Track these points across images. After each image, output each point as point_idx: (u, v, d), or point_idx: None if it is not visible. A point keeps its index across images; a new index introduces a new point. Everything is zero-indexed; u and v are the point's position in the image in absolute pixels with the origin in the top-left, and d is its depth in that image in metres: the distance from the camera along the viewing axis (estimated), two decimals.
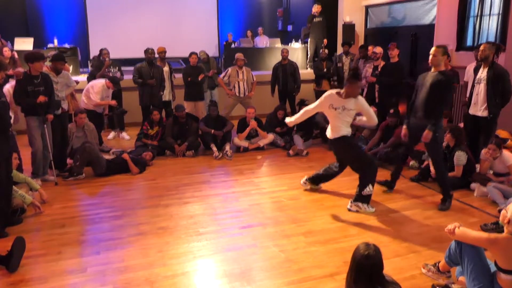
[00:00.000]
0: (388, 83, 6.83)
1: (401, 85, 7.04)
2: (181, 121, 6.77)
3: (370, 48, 8.07)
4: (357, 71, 4.32)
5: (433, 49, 4.32)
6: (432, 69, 4.38)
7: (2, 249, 3.39)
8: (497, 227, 3.83)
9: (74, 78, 6.71)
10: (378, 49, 7.37)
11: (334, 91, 4.35)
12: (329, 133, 4.50)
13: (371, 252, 2.35)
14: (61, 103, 5.56)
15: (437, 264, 3.11)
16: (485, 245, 2.63)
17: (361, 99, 4.39)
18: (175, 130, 6.77)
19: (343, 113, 4.32)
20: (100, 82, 6.91)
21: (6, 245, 3.41)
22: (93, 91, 6.76)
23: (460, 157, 4.95)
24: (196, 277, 3.20)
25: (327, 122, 7.12)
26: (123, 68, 7.95)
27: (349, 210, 4.40)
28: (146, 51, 7.26)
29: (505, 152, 4.82)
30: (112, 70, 7.61)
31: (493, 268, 2.66)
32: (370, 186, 4.31)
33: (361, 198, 4.34)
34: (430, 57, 4.30)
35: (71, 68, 8.44)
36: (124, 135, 7.79)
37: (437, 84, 4.25)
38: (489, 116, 5.10)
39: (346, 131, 4.39)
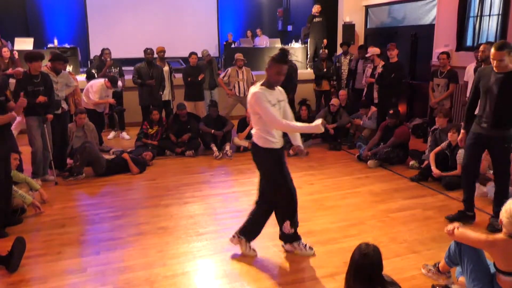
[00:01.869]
0: (387, 83, 6.84)
1: (401, 85, 7.04)
2: (182, 119, 6.78)
3: (370, 49, 8.09)
4: (286, 51, 3.23)
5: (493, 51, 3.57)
6: (495, 69, 3.62)
7: (2, 249, 3.39)
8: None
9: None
10: (375, 50, 7.37)
11: (258, 85, 3.25)
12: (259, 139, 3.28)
13: (370, 252, 2.35)
14: (61, 103, 5.56)
15: (437, 264, 3.11)
16: (483, 247, 2.63)
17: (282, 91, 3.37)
18: (175, 128, 6.78)
19: (282, 108, 3.32)
20: (99, 82, 6.92)
21: (6, 245, 3.41)
22: (92, 90, 6.78)
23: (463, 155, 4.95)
24: (196, 277, 3.20)
25: (327, 122, 7.20)
26: (123, 68, 7.95)
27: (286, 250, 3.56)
28: (145, 51, 7.27)
29: None
30: (113, 71, 7.62)
31: (492, 269, 2.66)
32: (288, 223, 3.38)
33: (287, 236, 3.47)
34: (496, 62, 3.55)
35: (71, 68, 8.44)
36: (124, 135, 7.79)
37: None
38: None
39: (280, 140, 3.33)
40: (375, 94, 7.36)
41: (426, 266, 3.19)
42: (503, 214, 2.55)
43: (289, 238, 3.47)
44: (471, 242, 2.65)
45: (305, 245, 3.51)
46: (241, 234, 3.50)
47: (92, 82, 6.99)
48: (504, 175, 3.86)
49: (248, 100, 3.21)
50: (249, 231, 3.51)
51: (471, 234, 2.67)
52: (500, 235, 2.56)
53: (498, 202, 3.64)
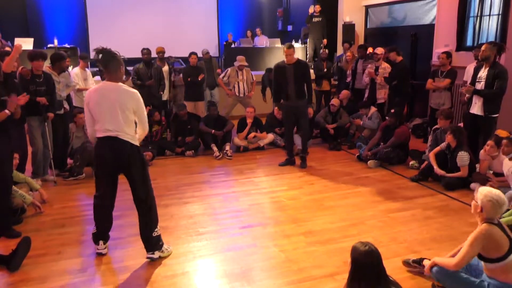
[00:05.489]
0: (396, 83, 6.94)
1: (408, 84, 7.12)
2: (182, 119, 6.78)
3: (370, 49, 8.09)
4: (111, 53, 3.29)
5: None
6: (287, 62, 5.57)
7: (5, 249, 3.40)
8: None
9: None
10: (379, 50, 7.38)
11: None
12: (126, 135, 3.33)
13: (372, 247, 2.34)
14: (63, 103, 5.56)
15: (421, 262, 3.13)
16: (477, 249, 2.61)
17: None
18: (174, 127, 6.81)
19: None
20: (75, 68, 6.74)
21: (8, 245, 3.41)
22: (74, 80, 6.54)
23: (463, 158, 4.95)
24: (196, 277, 3.20)
25: (328, 122, 7.21)
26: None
27: (152, 259, 3.41)
28: (141, 52, 7.27)
29: None
30: None
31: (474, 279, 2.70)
32: (157, 225, 3.46)
33: (155, 243, 3.42)
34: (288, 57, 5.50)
35: (71, 68, 8.42)
36: None
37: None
38: (485, 114, 5.12)
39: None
40: (378, 95, 7.37)
41: (408, 264, 3.20)
42: (482, 199, 2.62)
43: (157, 243, 3.44)
44: (465, 254, 2.64)
45: (165, 247, 3.49)
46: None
47: (69, 71, 6.79)
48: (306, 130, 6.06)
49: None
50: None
51: (458, 255, 2.69)
52: (482, 227, 2.59)
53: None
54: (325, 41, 10.08)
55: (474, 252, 2.64)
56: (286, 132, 6.14)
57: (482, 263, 2.71)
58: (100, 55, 3.20)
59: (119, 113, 3.21)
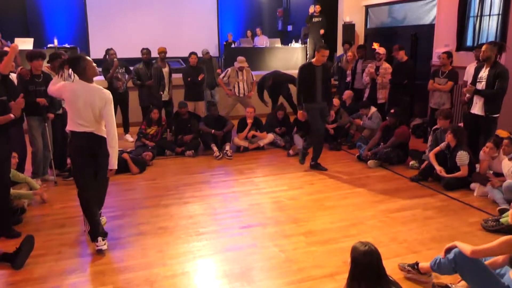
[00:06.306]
0: (400, 83, 6.95)
1: (414, 83, 7.14)
2: (183, 118, 6.79)
3: (376, 45, 8.10)
4: (75, 56, 3.62)
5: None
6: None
7: (10, 248, 3.40)
8: (497, 224, 3.83)
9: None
10: (382, 50, 7.38)
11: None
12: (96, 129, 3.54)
13: (372, 247, 2.34)
14: (62, 103, 5.55)
15: (415, 266, 3.06)
16: (502, 253, 2.53)
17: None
18: (173, 125, 6.84)
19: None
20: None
21: (9, 244, 3.41)
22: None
23: (463, 157, 4.95)
24: (196, 277, 3.20)
25: (327, 122, 7.20)
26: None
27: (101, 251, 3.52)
28: (141, 52, 7.25)
29: None
30: (119, 71, 7.39)
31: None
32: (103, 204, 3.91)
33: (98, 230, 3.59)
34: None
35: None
36: (128, 137, 7.72)
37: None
38: (486, 114, 5.12)
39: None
40: (379, 95, 7.37)
41: (404, 267, 3.13)
42: None
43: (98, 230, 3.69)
44: (490, 251, 2.53)
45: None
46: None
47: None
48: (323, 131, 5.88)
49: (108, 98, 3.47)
50: None
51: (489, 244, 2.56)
52: None
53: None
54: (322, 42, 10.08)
55: (497, 253, 2.56)
56: (315, 133, 5.70)
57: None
58: (66, 65, 3.52)
59: (90, 111, 3.43)
